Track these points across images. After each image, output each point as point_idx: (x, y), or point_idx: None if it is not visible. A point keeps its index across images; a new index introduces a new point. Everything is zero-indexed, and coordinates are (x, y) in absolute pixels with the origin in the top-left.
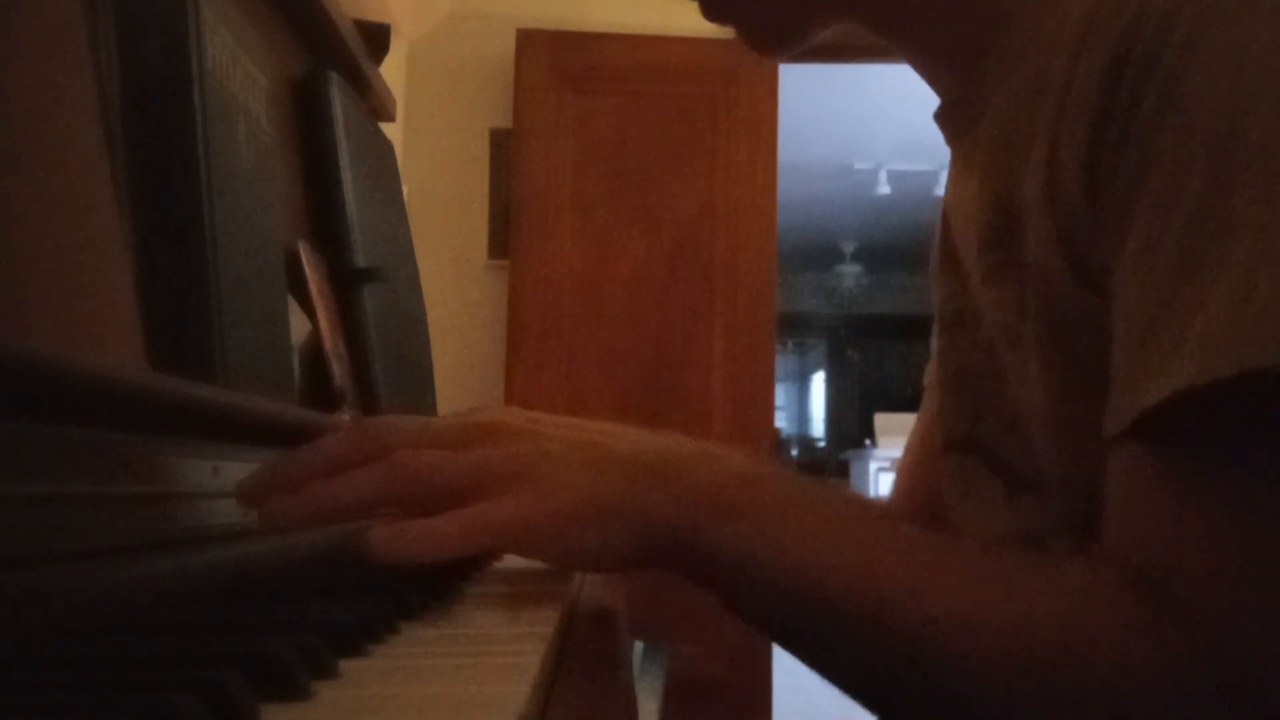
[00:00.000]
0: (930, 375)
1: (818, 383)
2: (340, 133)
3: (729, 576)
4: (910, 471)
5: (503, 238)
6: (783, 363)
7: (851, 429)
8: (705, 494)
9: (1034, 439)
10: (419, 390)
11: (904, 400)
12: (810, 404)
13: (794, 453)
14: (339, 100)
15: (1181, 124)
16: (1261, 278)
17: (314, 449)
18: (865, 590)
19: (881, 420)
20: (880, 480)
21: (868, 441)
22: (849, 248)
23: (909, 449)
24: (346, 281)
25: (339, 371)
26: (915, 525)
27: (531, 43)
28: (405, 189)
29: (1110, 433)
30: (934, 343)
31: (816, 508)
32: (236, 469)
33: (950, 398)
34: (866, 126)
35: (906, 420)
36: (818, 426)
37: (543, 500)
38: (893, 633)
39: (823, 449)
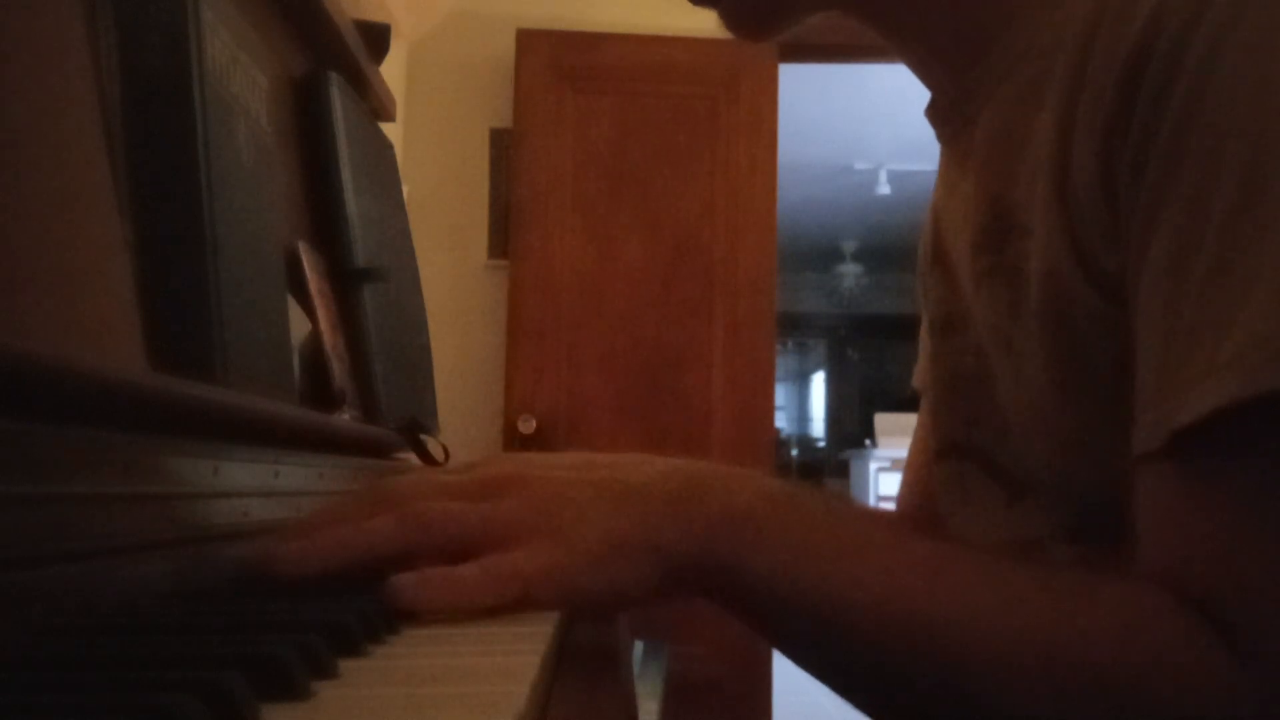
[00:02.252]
0: (919, 378)
1: (818, 383)
2: (340, 133)
3: (759, 601)
4: (914, 478)
5: (502, 237)
6: (783, 363)
7: (851, 429)
8: (730, 518)
9: (1031, 442)
10: (419, 390)
11: (904, 400)
12: (810, 404)
13: (794, 453)
14: (339, 100)
15: (1210, 128)
16: None
17: (329, 506)
18: (907, 613)
19: (881, 420)
20: (880, 480)
21: (868, 441)
22: (849, 248)
23: (912, 453)
24: (346, 281)
25: (339, 371)
26: (949, 543)
27: (531, 43)
28: (405, 189)
29: (1142, 448)
30: (921, 344)
31: (845, 528)
32: (236, 469)
33: (944, 403)
34: (866, 126)
35: (906, 420)
36: (818, 426)
37: (564, 546)
38: (940, 656)
39: (823, 449)
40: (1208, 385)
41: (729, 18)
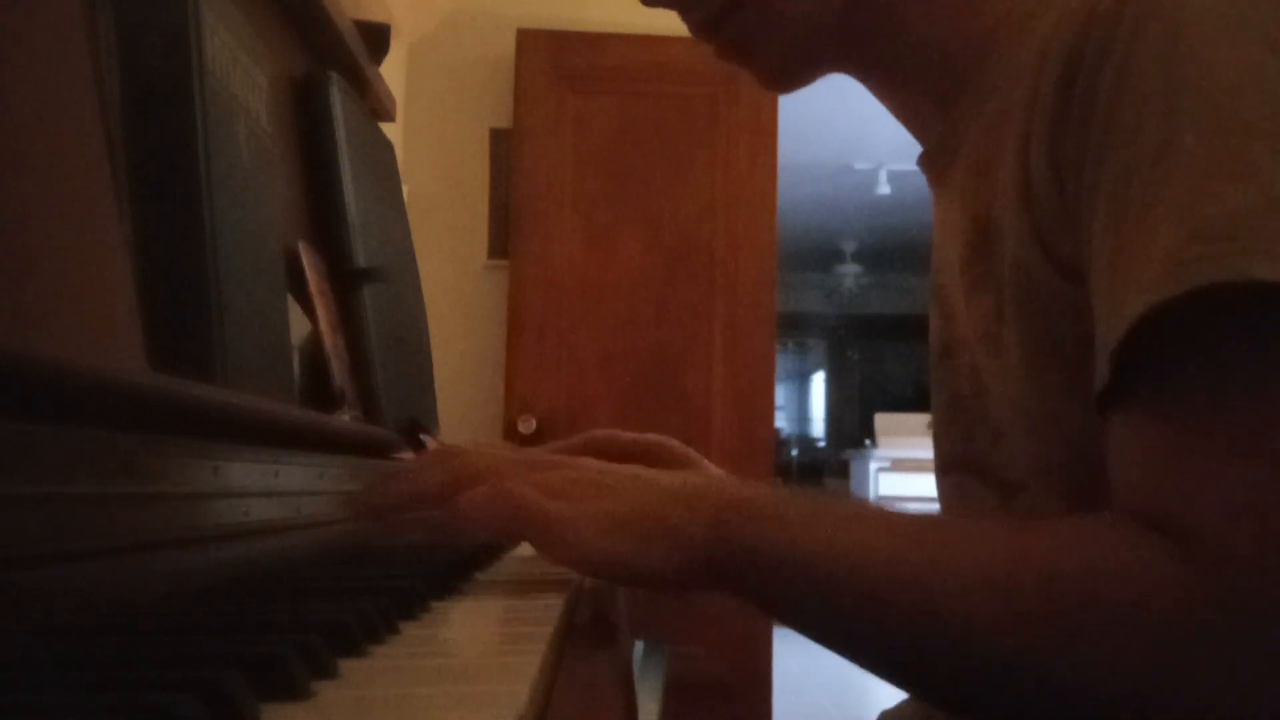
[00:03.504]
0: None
1: (818, 383)
2: (340, 133)
3: (768, 580)
4: None
5: (502, 238)
6: (783, 363)
7: (851, 429)
8: (740, 509)
9: (1017, 441)
10: (419, 390)
11: (904, 400)
12: (810, 404)
13: (794, 453)
14: (339, 100)
15: (1133, 101)
16: (1206, 211)
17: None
18: (900, 571)
19: (881, 420)
20: (880, 480)
21: (868, 441)
22: (849, 248)
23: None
24: (346, 281)
25: (339, 371)
26: (933, 516)
27: (531, 43)
28: (405, 189)
29: (1096, 389)
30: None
31: (841, 508)
32: (236, 469)
33: (944, 424)
34: (866, 126)
35: (906, 420)
36: (818, 426)
37: (589, 503)
38: (929, 606)
39: (823, 449)
40: (1126, 311)
41: (758, 77)
